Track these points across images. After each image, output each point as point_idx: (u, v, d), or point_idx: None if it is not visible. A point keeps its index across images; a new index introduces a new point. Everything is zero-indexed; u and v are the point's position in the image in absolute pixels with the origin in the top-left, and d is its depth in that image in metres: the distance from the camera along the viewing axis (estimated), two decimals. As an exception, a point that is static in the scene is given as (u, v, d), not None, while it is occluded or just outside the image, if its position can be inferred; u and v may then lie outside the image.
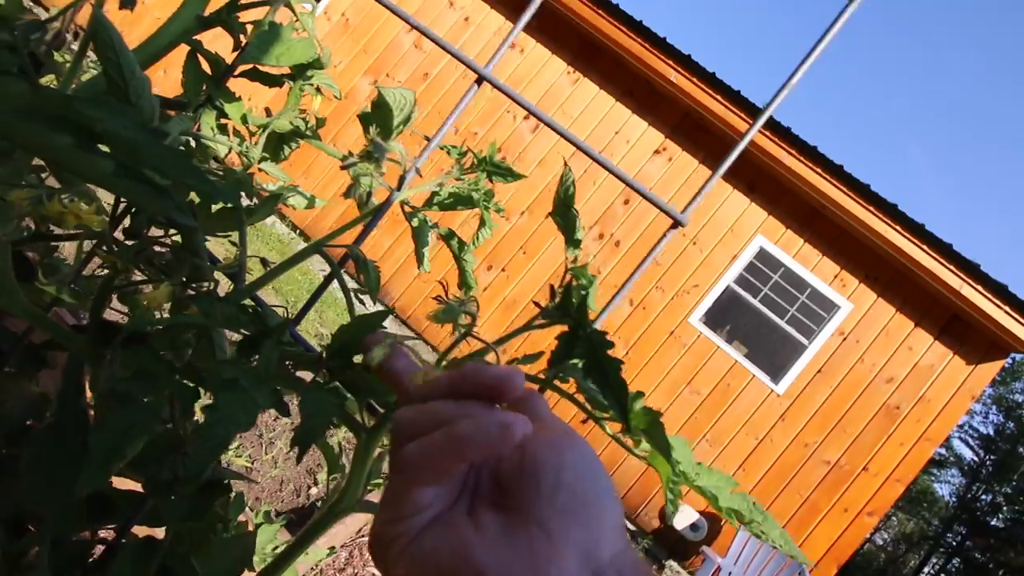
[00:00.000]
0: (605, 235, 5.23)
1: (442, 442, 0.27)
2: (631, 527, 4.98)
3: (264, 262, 0.52)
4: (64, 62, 0.57)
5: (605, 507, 0.28)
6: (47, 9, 6.09)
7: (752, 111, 4.80)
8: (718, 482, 0.41)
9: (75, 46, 0.48)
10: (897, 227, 4.64)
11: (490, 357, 0.42)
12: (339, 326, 0.45)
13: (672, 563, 4.81)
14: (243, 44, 0.54)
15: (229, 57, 0.55)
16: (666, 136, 5.26)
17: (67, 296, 0.55)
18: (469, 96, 0.45)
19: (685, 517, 4.89)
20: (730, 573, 4.27)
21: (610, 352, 0.36)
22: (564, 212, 0.47)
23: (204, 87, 0.51)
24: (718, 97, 4.84)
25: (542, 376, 0.44)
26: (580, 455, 0.29)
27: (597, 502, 0.28)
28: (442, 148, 0.54)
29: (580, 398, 0.45)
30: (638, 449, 0.45)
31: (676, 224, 0.45)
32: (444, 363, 0.46)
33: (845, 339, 4.93)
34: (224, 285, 0.49)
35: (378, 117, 0.53)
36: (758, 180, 5.10)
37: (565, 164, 0.47)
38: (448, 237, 0.62)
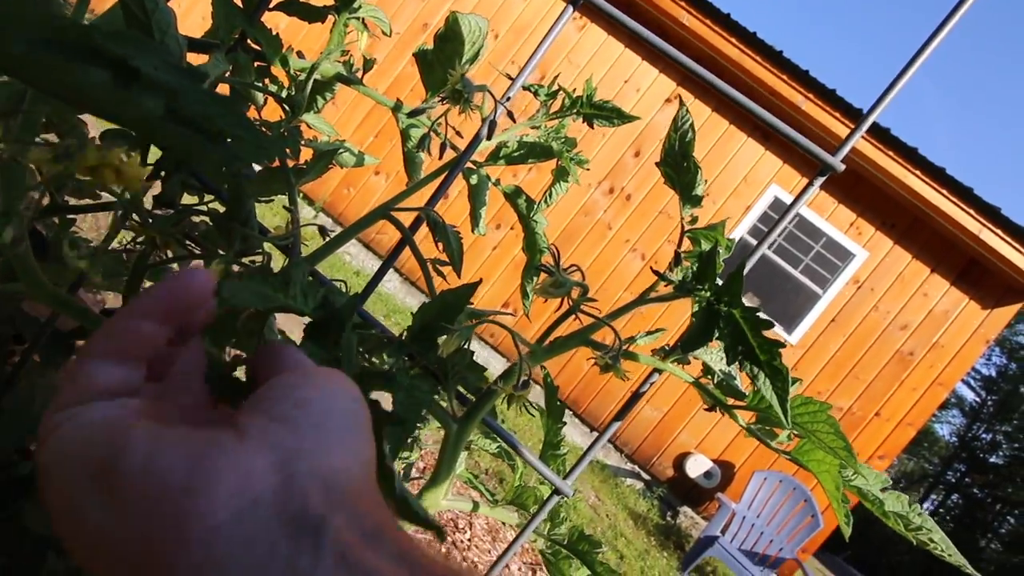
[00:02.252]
0: (615, 189, 5.10)
1: (124, 309, 0.24)
2: (646, 476, 5.07)
3: (322, 231, 0.46)
4: None
5: (344, 437, 0.23)
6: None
7: (770, 56, 4.59)
8: (874, 482, 0.35)
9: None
10: (916, 172, 4.51)
11: (605, 337, 0.36)
12: (421, 304, 0.38)
13: (687, 509, 4.92)
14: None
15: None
16: (677, 84, 5.06)
17: (97, 275, 0.49)
18: (565, 17, 0.37)
19: (699, 465, 4.97)
20: (744, 517, 4.37)
21: (767, 333, 0.31)
22: (679, 162, 0.39)
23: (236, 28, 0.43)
24: (733, 40, 4.61)
25: (661, 358, 0.38)
26: (336, 389, 0.24)
27: (334, 428, 0.23)
28: (527, 88, 0.47)
29: (706, 383, 0.40)
30: (774, 442, 0.39)
31: (826, 170, 0.38)
32: (546, 342, 0.40)
33: (860, 287, 4.87)
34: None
35: (445, 52, 0.45)
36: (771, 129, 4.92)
37: (680, 103, 0.40)
38: (514, 195, 0.55)
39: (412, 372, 0.40)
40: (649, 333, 0.41)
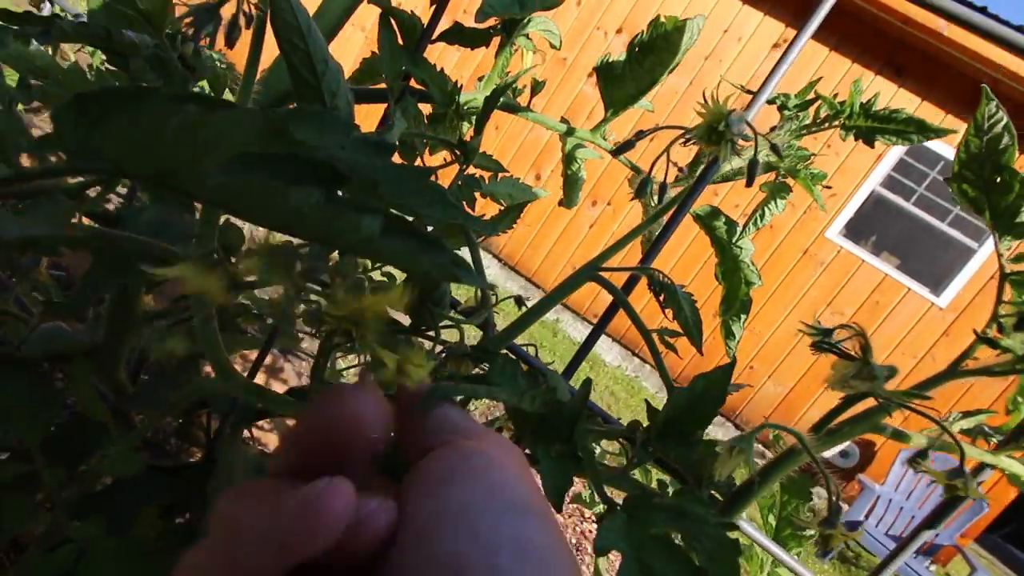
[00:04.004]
0: (720, 151, 4.74)
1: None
2: (769, 454, 4.77)
3: (519, 301, 0.40)
4: (217, 63, 0.45)
5: None
6: None
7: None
8: None
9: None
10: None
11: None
12: (675, 390, 0.30)
13: (820, 491, 4.58)
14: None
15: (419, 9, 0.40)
16: (787, 25, 4.55)
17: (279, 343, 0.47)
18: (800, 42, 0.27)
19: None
20: (891, 500, 3.97)
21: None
22: (987, 178, 0.28)
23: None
24: (853, -35, 4.05)
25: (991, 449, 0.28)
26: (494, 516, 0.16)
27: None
28: (771, 102, 0.37)
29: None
30: None
31: None
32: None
33: (1027, 237, 4.18)
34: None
35: (645, 64, 0.36)
36: (909, 61, 4.29)
37: (984, 94, 0.28)
38: (710, 217, 0.45)
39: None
40: (968, 414, 0.30)
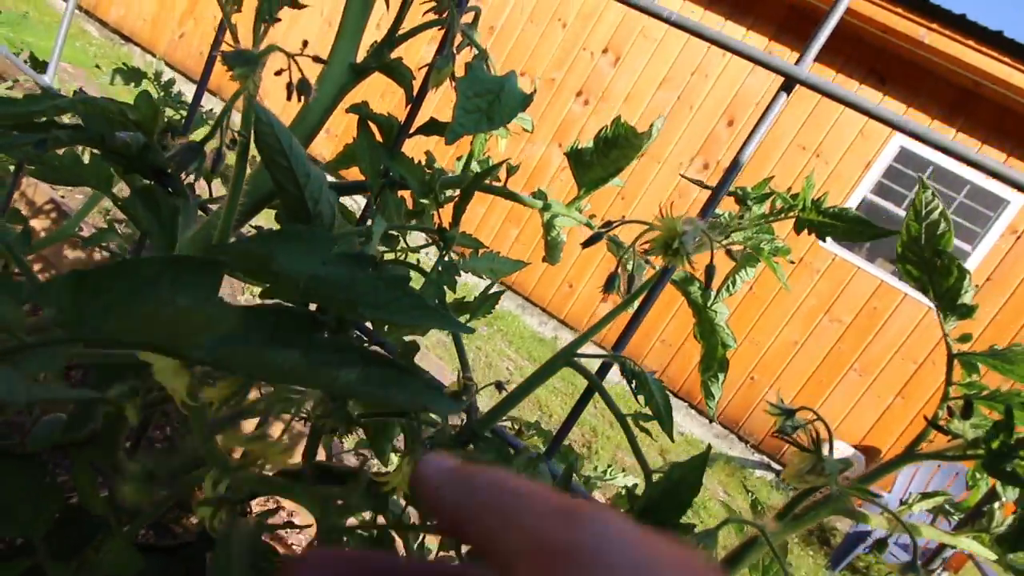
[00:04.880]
0: (710, 164, 4.78)
1: None
2: (777, 467, 4.75)
3: (499, 386, 0.41)
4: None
5: None
6: (139, 46, 6.44)
7: (875, -13, 4.06)
8: None
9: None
10: (1084, 93, 3.79)
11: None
12: (652, 483, 0.32)
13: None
14: (416, 92, 0.41)
15: (393, 107, 0.43)
16: (770, 38, 4.63)
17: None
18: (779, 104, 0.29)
19: (838, 452, 4.54)
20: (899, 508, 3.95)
21: None
22: (928, 260, 0.30)
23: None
24: (831, -21, 4.12)
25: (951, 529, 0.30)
26: None
27: None
28: (731, 194, 0.39)
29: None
30: None
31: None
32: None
33: (1019, 238, 4.21)
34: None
35: (610, 156, 0.38)
36: (891, 69, 4.36)
37: (921, 182, 0.31)
38: (685, 283, 0.47)
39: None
40: (926, 496, 0.32)
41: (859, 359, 4.50)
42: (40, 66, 1.07)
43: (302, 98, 0.29)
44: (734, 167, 0.32)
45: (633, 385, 0.34)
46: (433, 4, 0.38)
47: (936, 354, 4.33)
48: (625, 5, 0.34)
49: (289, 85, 0.36)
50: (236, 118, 0.33)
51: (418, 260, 0.44)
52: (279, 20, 0.37)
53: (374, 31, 0.36)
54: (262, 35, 0.31)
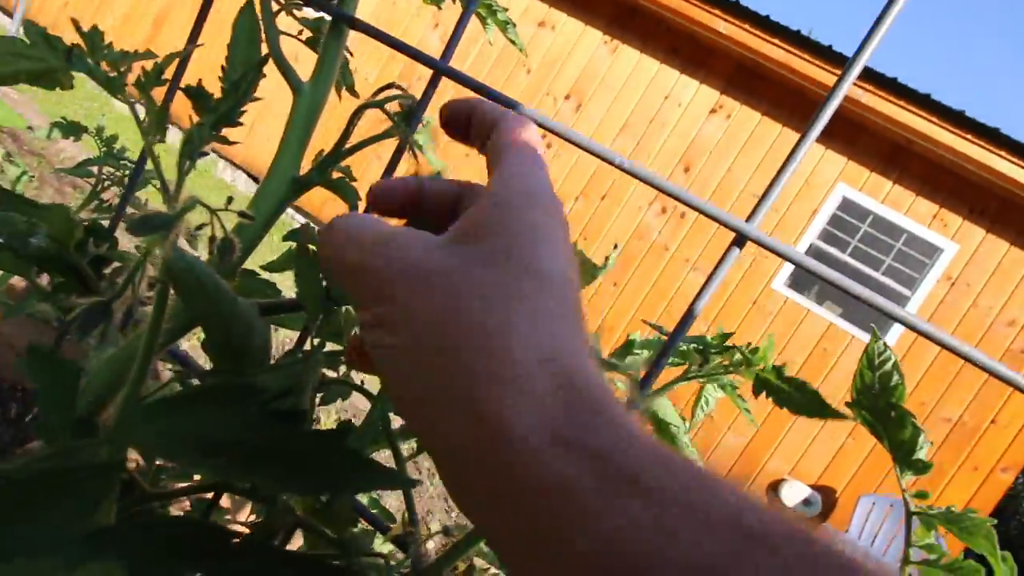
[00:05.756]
0: (668, 208, 4.94)
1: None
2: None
3: (446, 531, 0.38)
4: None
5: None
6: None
7: (815, 50, 4.36)
8: None
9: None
10: (1002, 152, 4.12)
11: None
12: None
13: (786, 543, 4.56)
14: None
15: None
16: (720, 92, 4.88)
17: None
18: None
19: (796, 493, 4.62)
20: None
21: None
22: (883, 412, 0.30)
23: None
24: (776, 41, 4.41)
25: None
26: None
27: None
28: (687, 342, 0.39)
29: None
30: None
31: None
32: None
33: (954, 284, 4.46)
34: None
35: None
36: (833, 124, 4.64)
37: (874, 334, 0.31)
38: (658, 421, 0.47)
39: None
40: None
41: (811, 399, 4.61)
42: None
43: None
44: (688, 317, 0.32)
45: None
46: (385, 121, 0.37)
47: (883, 395, 4.49)
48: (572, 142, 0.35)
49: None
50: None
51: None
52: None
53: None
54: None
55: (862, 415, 0.29)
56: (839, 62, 4.33)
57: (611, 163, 0.37)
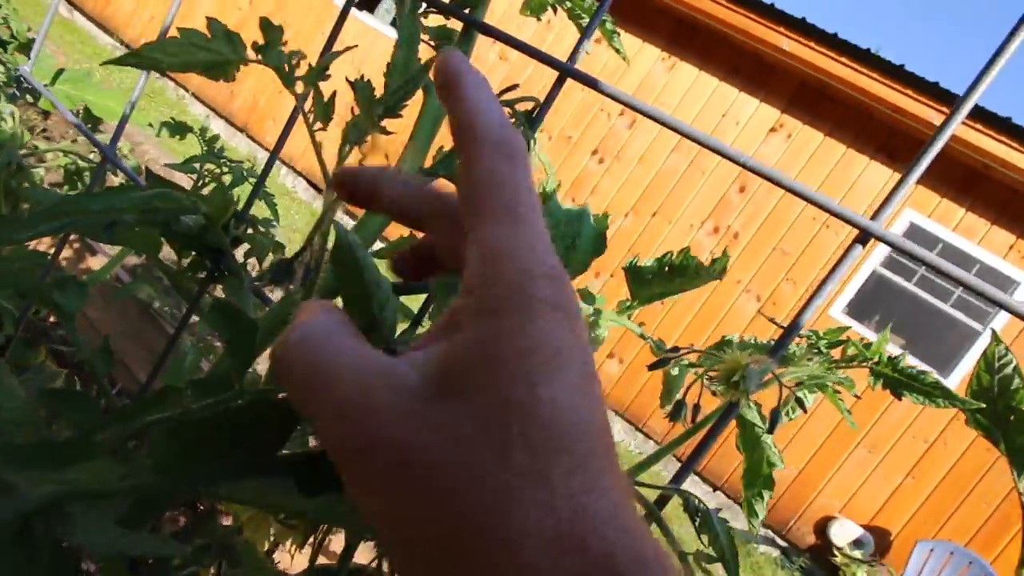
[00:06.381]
0: (720, 228, 4.83)
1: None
2: (782, 543, 4.56)
3: None
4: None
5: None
6: (112, 35, 6.70)
7: (883, 69, 4.19)
8: None
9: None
10: (1093, 181, 3.83)
11: None
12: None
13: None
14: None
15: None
16: (781, 111, 4.75)
17: None
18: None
19: (846, 532, 4.38)
20: (912, 595, 3.75)
21: None
22: (1001, 415, 0.29)
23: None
24: (843, 60, 4.27)
25: None
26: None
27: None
28: (801, 337, 0.39)
29: None
30: None
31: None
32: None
33: (1032, 320, 4.16)
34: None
35: (681, 281, 0.39)
36: (901, 147, 4.44)
37: (995, 337, 0.30)
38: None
39: None
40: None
41: (868, 435, 4.39)
42: (94, 120, 1.11)
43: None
44: (805, 309, 0.32)
45: (696, 523, 0.33)
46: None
47: (948, 434, 4.22)
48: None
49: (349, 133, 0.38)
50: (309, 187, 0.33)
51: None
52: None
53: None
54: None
55: (977, 419, 0.29)
56: (908, 82, 4.15)
57: (735, 161, 0.37)
